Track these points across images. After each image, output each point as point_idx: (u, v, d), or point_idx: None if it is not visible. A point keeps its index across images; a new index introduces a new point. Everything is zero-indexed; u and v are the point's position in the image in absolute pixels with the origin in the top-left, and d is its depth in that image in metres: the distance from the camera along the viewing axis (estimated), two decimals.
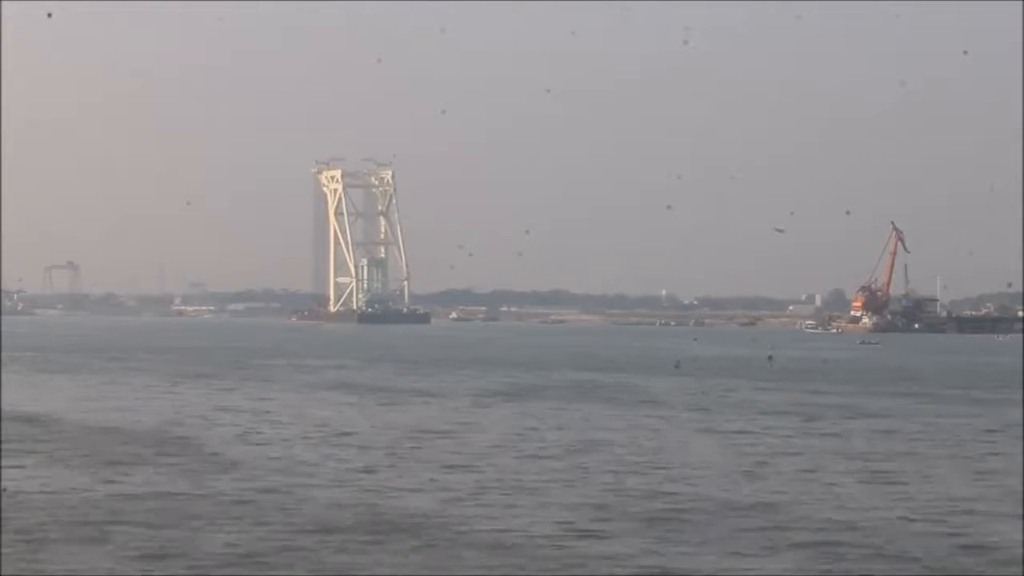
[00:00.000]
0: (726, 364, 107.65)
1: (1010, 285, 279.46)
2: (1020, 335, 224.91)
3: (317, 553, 22.90)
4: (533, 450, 39.36)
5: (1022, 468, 35.97)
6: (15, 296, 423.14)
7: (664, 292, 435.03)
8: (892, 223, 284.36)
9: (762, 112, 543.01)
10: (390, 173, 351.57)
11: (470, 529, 25.31)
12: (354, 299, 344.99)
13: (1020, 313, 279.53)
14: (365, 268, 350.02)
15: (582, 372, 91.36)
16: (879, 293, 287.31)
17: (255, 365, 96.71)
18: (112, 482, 31.05)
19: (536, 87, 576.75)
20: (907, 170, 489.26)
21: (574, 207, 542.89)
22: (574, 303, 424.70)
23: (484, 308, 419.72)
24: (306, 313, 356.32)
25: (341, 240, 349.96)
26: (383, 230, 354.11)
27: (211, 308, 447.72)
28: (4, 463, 33.50)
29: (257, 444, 40.15)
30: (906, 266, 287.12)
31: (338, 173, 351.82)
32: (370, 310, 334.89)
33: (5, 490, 27.86)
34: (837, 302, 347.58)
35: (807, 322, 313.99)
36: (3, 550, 22.38)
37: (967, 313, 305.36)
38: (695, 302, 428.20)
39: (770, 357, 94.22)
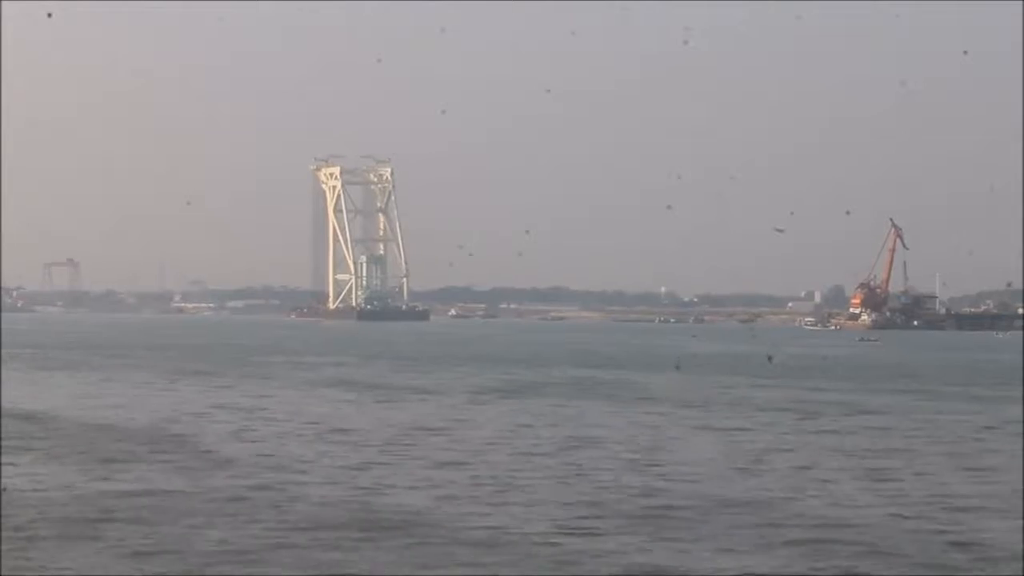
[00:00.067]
0: (725, 361, 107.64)
1: (1010, 285, 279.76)
2: (1020, 332, 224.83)
3: (310, 550, 22.88)
4: (528, 447, 39.35)
5: (1022, 465, 35.96)
6: (14, 293, 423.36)
7: (663, 289, 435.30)
8: (891, 220, 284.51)
9: (762, 112, 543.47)
10: (389, 170, 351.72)
11: (463, 526, 25.29)
12: (353, 296, 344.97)
13: (1020, 310, 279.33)
14: (364, 265, 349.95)
15: (580, 369, 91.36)
16: (878, 290, 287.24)
17: (254, 362, 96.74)
18: (106, 479, 31.04)
19: (536, 87, 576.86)
20: (907, 170, 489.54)
21: (574, 207, 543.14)
22: (573, 300, 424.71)
23: (483, 305, 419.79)
24: (305, 310, 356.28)
25: (340, 237, 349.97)
26: (382, 227, 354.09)
27: (211, 305, 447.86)
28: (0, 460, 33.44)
29: (252, 441, 40.15)
30: (905, 263, 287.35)
31: (337, 170, 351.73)
32: (369, 307, 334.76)
33: (5, 490, 27.80)
34: (836, 299, 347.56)
35: (806, 319, 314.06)
36: (1, 547, 22.30)
37: (966, 310, 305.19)
38: (695, 299, 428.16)
39: (770, 358, 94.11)
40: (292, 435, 42.35)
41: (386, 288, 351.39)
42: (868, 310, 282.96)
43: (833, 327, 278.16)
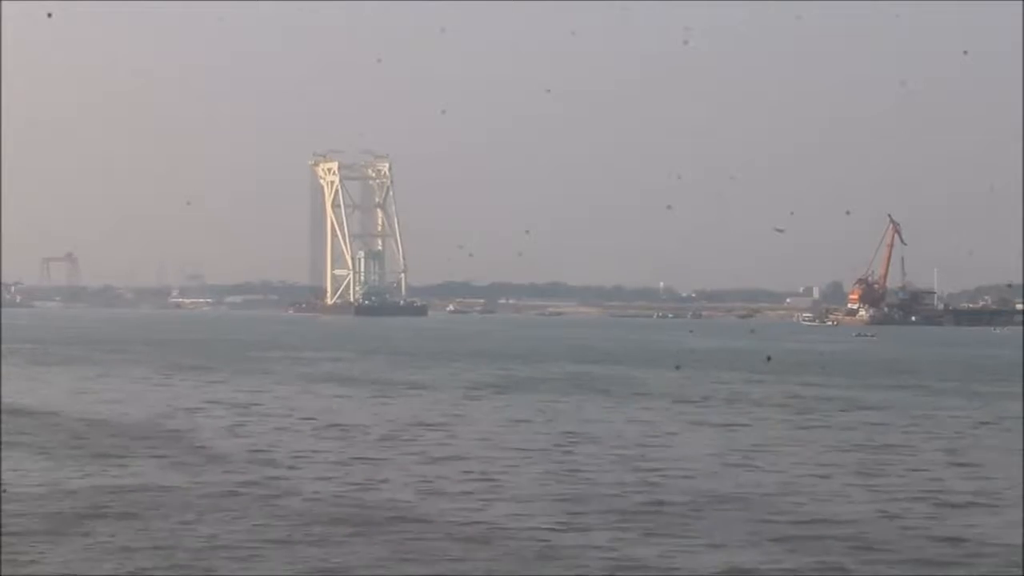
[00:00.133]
0: (722, 357, 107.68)
1: (1010, 285, 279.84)
2: (1019, 327, 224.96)
3: (301, 546, 22.87)
4: (523, 442, 39.34)
5: (1021, 461, 35.99)
6: (13, 288, 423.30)
7: (662, 284, 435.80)
8: (889, 215, 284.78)
9: (762, 112, 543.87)
10: (387, 165, 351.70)
11: (455, 521, 25.28)
12: (351, 291, 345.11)
13: (1018, 306, 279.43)
14: (362, 260, 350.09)
15: (578, 364, 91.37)
16: (876, 286, 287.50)
17: (250, 357, 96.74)
18: (97, 475, 31.01)
19: (536, 87, 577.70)
20: (907, 170, 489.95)
21: (574, 207, 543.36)
22: (572, 295, 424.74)
23: (482, 300, 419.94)
24: (303, 305, 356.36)
25: (338, 232, 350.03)
26: (380, 222, 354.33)
27: (209, 300, 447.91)
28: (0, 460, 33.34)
29: (246, 437, 40.11)
30: (903, 259, 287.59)
31: (335, 165, 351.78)
32: (367, 302, 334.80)
33: (5, 491, 27.75)
34: (835, 294, 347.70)
35: (804, 315, 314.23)
36: (1, 547, 22.25)
37: (964, 306, 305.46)
38: (693, 295, 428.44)
39: (769, 358, 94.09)
40: (287, 430, 42.34)
41: (384, 283, 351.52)
42: (866, 306, 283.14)
43: (831, 323, 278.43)
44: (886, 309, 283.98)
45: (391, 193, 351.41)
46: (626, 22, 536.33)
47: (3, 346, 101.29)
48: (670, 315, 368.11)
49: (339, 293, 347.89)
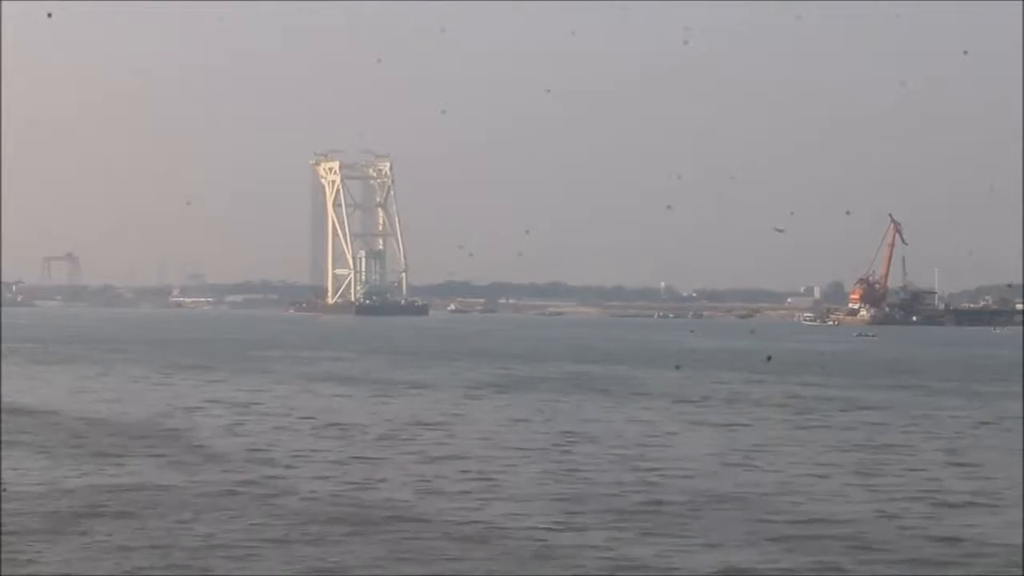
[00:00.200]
0: (723, 357, 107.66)
1: (1010, 286, 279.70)
2: (1019, 327, 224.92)
3: (297, 545, 22.86)
4: (521, 442, 39.31)
5: (1020, 461, 35.97)
6: (14, 287, 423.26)
7: (663, 284, 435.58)
8: (890, 215, 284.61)
9: (762, 112, 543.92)
10: (388, 165, 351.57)
11: (453, 521, 25.27)
12: (352, 291, 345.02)
13: (1019, 306, 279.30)
14: (363, 260, 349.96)
15: (577, 364, 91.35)
16: (877, 285, 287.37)
17: (251, 357, 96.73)
18: (95, 474, 31.01)
19: (536, 87, 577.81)
20: (907, 170, 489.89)
21: (574, 207, 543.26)
22: (572, 295, 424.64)
23: (482, 300, 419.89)
24: (304, 305, 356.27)
25: (339, 232, 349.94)
26: (381, 222, 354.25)
27: (209, 300, 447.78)
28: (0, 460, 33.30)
29: (244, 436, 40.09)
30: (904, 258, 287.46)
31: (336, 165, 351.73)
32: (368, 302, 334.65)
33: (5, 491, 27.74)
34: (836, 294, 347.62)
35: (805, 314, 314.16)
36: (1, 547, 22.22)
37: (965, 306, 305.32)
38: (694, 294, 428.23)
39: (769, 358, 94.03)
40: (286, 430, 42.32)
41: (385, 283, 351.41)
42: (867, 305, 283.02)
43: (832, 322, 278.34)
44: (887, 309, 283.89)
45: (392, 192, 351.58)
46: (626, 22, 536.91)
47: (3, 345, 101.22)
48: (671, 315, 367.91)
49: (340, 292, 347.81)
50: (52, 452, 35.19)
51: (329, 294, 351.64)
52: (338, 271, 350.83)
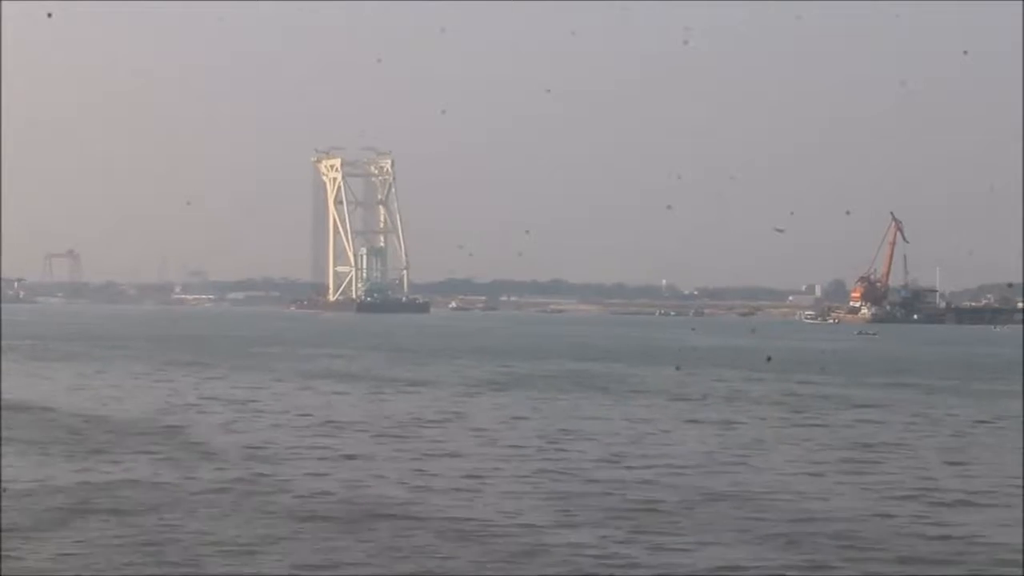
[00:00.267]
0: (723, 355, 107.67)
1: (1010, 285, 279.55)
2: (1019, 326, 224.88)
3: (289, 542, 22.89)
4: (518, 440, 39.34)
5: (1018, 460, 36.00)
6: (15, 284, 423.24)
7: (664, 282, 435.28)
8: (891, 213, 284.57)
9: (762, 112, 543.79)
10: (390, 162, 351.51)
11: (444, 518, 25.30)
12: (353, 288, 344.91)
13: (1020, 304, 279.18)
14: (364, 257, 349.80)
15: (578, 362, 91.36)
16: (878, 284, 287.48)
17: (251, 354, 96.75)
18: (90, 471, 31.03)
19: (536, 87, 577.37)
20: (907, 170, 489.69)
21: (574, 207, 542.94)
22: (573, 293, 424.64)
23: (483, 298, 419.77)
24: (305, 302, 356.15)
25: (340, 229, 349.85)
26: (383, 219, 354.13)
27: (211, 297, 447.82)
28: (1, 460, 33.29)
29: (241, 433, 40.11)
30: (905, 257, 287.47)
31: (338, 162, 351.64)
32: (369, 299, 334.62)
33: (6, 491, 27.76)
34: (837, 292, 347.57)
35: (806, 312, 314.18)
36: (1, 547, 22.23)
37: (966, 304, 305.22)
38: (695, 292, 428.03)
39: (769, 358, 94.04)
40: (283, 427, 42.36)
41: (386, 280, 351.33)
42: (868, 304, 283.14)
43: (832, 321, 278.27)
44: (888, 307, 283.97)
45: (393, 190, 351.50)
46: (626, 22, 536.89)
47: (3, 342, 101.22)
48: (672, 313, 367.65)
49: (341, 290, 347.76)
50: (48, 449, 35.20)
51: (330, 291, 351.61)
52: (339, 268, 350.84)
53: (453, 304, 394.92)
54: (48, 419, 43.70)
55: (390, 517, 25.33)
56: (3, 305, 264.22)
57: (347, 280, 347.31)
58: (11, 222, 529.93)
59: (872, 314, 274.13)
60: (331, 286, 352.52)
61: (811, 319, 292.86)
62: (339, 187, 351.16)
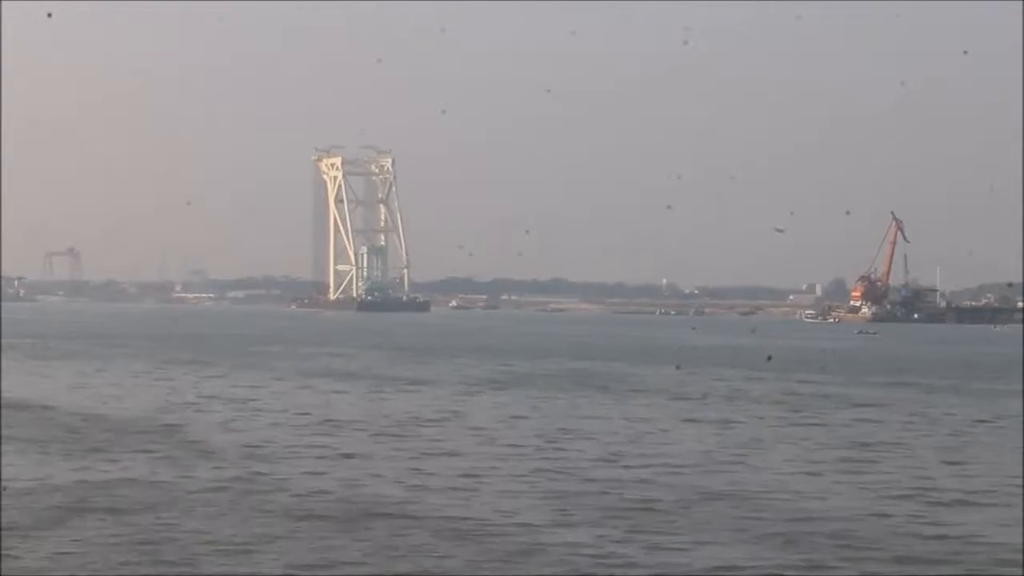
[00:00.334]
0: (723, 354, 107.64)
1: (1010, 285, 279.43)
2: (1019, 326, 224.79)
3: (286, 541, 22.88)
4: (516, 439, 39.33)
5: (1016, 459, 35.98)
6: (16, 283, 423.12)
7: (664, 281, 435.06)
8: (892, 213, 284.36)
9: (762, 112, 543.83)
10: (390, 161, 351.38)
11: (442, 517, 25.30)
12: (354, 287, 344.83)
13: (1020, 304, 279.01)
14: (365, 256, 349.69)
15: (578, 361, 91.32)
16: (879, 283, 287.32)
17: (251, 352, 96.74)
18: (88, 469, 31.03)
19: (536, 87, 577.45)
20: (907, 170, 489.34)
21: (574, 206, 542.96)
22: (574, 291, 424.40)
23: (484, 296, 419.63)
24: (306, 301, 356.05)
25: (341, 228, 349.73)
26: (383, 218, 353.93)
27: (212, 295, 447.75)
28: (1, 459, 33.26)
29: (239, 432, 40.09)
30: (906, 256, 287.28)
31: (338, 160, 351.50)
32: (370, 298, 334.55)
33: (5, 489, 27.75)
34: (838, 292, 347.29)
35: (806, 312, 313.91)
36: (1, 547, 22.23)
37: (967, 303, 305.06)
38: (696, 291, 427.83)
39: (769, 358, 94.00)
40: (281, 426, 42.34)
41: (387, 279, 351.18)
42: (868, 303, 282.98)
43: (833, 320, 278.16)
44: (888, 306, 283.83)
45: (394, 188, 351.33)
46: (626, 22, 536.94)
47: (3, 341, 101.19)
48: (672, 312, 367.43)
49: (342, 288, 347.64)
50: (46, 448, 35.19)
51: (331, 290, 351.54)
52: (340, 267, 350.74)
53: (454, 303, 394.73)
54: (47, 417, 43.69)
55: (387, 516, 25.33)
56: (3, 303, 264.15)
57: (348, 279, 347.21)
58: (11, 221, 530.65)
59: (872, 313, 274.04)
60: (331, 285, 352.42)
61: (811, 318, 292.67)
62: (339, 186, 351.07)
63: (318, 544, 22.70)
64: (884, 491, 29.84)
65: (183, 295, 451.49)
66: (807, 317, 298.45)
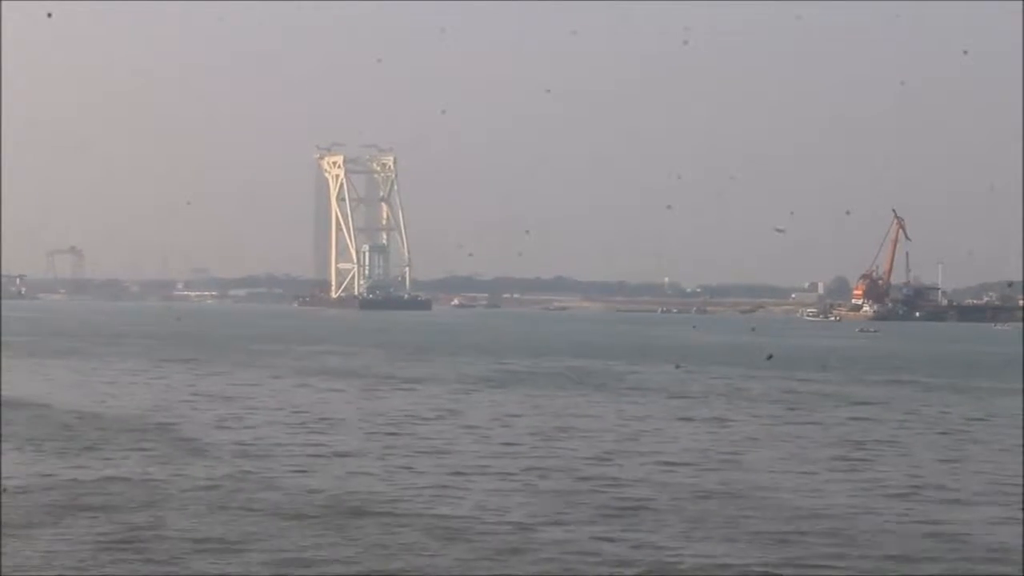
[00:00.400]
0: (723, 353, 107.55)
1: (1010, 285, 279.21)
2: (1020, 324, 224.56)
3: (276, 539, 22.83)
4: (511, 437, 39.27)
5: (1013, 458, 35.91)
6: (17, 281, 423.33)
7: (666, 280, 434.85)
8: (894, 211, 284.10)
9: (762, 112, 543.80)
10: (392, 159, 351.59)
11: (435, 514, 25.25)
12: (356, 285, 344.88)
13: (1021, 302, 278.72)
14: (367, 254, 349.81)
15: (578, 359, 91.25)
16: (880, 281, 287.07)
17: (251, 351, 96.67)
18: (80, 467, 30.98)
19: (536, 87, 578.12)
20: (907, 169, 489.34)
21: (575, 206, 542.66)
22: (575, 290, 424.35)
23: (486, 295, 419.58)
24: (308, 299, 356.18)
25: (343, 226, 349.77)
26: (385, 216, 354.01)
27: (214, 293, 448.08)
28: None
29: (233, 430, 40.02)
30: (907, 254, 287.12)
31: (340, 159, 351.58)
32: (371, 296, 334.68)
33: (5, 490, 27.69)
34: (840, 290, 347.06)
35: (808, 310, 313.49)
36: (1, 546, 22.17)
37: (968, 302, 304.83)
38: (697, 289, 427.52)
39: (770, 356, 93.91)
40: (276, 424, 42.27)
41: (389, 277, 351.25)
42: (870, 301, 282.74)
43: (834, 318, 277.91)
44: (890, 305, 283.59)
45: (396, 187, 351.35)
46: (626, 22, 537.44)
47: (3, 339, 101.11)
48: (674, 310, 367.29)
49: (344, 287, 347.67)
50: (40, 446, 35.13)
51: (333, 288, 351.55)
52: (342, 265, 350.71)
53: (455, 301, 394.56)
54: (43, 416, 43.62)
55: (377, 514, 25.27)
56: (5, 302, 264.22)
57: (350, 277, 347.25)
58: (12, 220, 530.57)
59: (874, 311, 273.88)
60: (333, 283, 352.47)
61: (813, 316, 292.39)
62: (341, 184, 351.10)
63: (308, 542, 22.63)
64: (878, 489, 29.77)
65: (185, 293, 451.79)
66: (809, 315, 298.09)
